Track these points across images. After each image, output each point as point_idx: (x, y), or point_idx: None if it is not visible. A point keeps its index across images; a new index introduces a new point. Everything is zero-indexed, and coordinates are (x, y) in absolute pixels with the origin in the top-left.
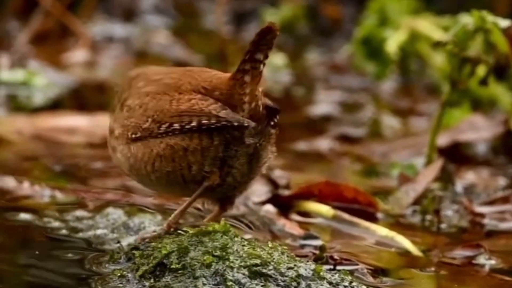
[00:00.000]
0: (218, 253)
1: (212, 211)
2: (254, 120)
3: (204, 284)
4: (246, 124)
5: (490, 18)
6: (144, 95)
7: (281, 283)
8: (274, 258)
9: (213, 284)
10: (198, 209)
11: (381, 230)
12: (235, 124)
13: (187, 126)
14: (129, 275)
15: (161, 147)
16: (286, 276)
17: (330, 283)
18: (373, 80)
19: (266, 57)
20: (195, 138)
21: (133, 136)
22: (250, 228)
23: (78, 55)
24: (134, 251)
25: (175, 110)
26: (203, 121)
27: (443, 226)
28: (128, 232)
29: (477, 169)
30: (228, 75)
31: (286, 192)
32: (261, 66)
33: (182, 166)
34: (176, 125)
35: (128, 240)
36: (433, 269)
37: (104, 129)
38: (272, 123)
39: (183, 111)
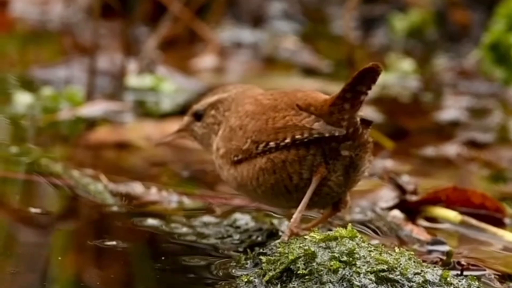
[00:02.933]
0: (345, 258)
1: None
2: (351, 138)
3: None
4: (337, 134)
5: None
6: (244, 115)
7: None
8: (401, 264)
9: None
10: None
11: (509, 236)
12: (327, 135)
13: (282, 143)
14: (256, 280)
15: (262, 161)
16: (413, 282)
17: None
18: (501, 86)
19: (369, 89)
20: (292, 151)
21: (235, 158)
22: (377, 233)
23: (206, 60)
24: (261, 257)
25: (271, 128)
26: (297, 136)
27: None
28: (255, 238)
29: None
30: (324, 96)
31: (413, 198)
32: (363, 96)
33: (283, 177)
34: (272, 143)
35: (255, 246)
36: None
37: None
38: (366, 134)
39: (279, 128)
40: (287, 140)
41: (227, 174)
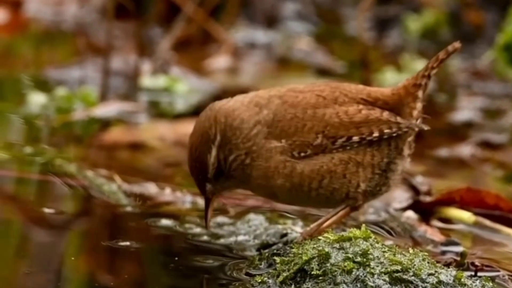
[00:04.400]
0: (359, 259)
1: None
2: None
3: None
4: (426, 129)
5: None
6: (301, 111)
7: None
8: (415, 264)
9: None
10: None
11: None
12: (416, 129)
13: (369, 137)
14: (270, 281)
15: (333, 162)
16: (427, 283)
17: None
18: None
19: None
20: (368, 152)
21: (302, 154)
22: (391, 234)
23: (220, 61)
24: (275, 257)
25: (349, 122)
26: (385, 130)
27: None
28: (269, 238)
29: None
30: (383, 89)
31: (427, 199)
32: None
33: (351, 183)
34: (356, 138)
35: (269, 246)
36: None
37: None
38: None
39: (359, 122)
40: (375, 134)
41: (276, 175)
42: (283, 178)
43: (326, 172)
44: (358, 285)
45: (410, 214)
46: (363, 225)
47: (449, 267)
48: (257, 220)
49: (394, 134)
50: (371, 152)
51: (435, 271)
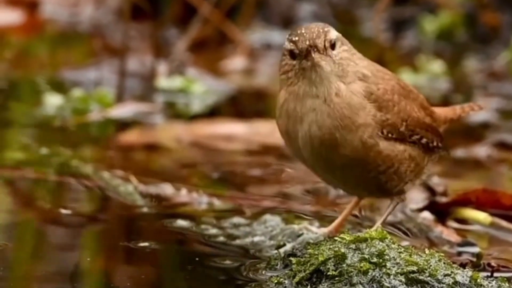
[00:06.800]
0: (375, 260)
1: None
2: None
3: None
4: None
5: None
6: (391, 91)
7: None
8: (431, 265)
9: None
10: (355, 216)
11: None
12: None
13: (431, 144)
14: (286, 282)
15: (404, 155)
16: (443, 283)
17: None
18: None
19: None
20: (426, 156)
21: (389, 135)
22: (407, 235)
23: (236, 62)
24: (291, 258)
25: (423, 122)
26: (438, 144)
27: None
28: (285, 239)
29: None
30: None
31: (443, 199)
32: None
33: (406, 179)
34: (424, 140)
35: (285, 247)
36: None
37: (262, 136)
38: None
39: (428, 125)
40: (434, 144)
41: (359, 140)
42: (360, 143)
43: (397, 162)
44: (374, 286)
45: (426, 214)
46: (380, 225)
47: (465, 268)
48: (273, 221)
49: (437, 151)
50: (426, 156)
51: (451, 272)
